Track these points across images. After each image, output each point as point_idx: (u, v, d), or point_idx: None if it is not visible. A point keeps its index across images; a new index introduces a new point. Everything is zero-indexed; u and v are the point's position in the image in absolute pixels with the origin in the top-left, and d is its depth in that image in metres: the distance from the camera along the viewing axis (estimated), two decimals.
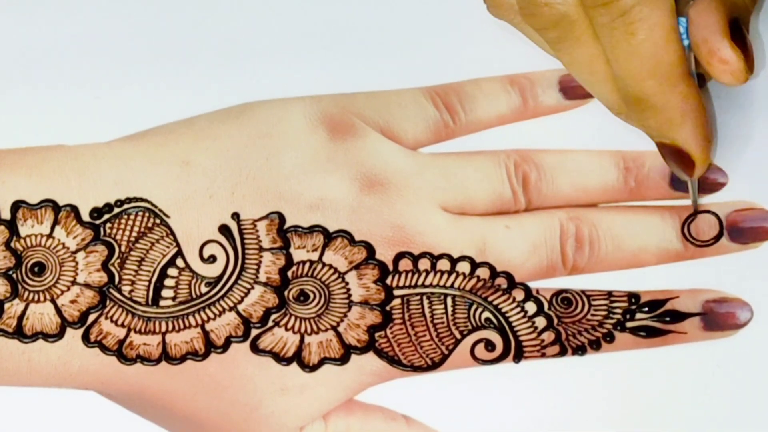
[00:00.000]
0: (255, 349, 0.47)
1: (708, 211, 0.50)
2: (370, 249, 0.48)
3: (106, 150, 0.48)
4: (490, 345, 0.48)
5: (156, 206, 0.47)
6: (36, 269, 0.46)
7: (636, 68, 0.43)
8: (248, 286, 0.47)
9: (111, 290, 0.46)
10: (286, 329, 0.47)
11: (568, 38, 0.44)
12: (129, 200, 0.47)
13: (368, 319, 0.48)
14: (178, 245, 0.47)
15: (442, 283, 0.48)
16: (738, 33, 0.44)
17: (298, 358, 0.47)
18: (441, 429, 0.49)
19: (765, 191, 0.51)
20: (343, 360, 0.48)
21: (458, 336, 0.48)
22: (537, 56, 0.50)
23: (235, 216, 0.48)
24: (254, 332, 0.47)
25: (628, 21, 0.43)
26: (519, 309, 0.49)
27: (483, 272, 0.48)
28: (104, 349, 0.46)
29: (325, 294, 0.48)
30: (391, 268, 0.48)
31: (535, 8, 0.44)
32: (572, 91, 0.52)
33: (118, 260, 0.47)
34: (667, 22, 0.43)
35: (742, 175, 0.51)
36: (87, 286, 0.46)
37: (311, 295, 0.48)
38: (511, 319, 0.48)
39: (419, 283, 0.48)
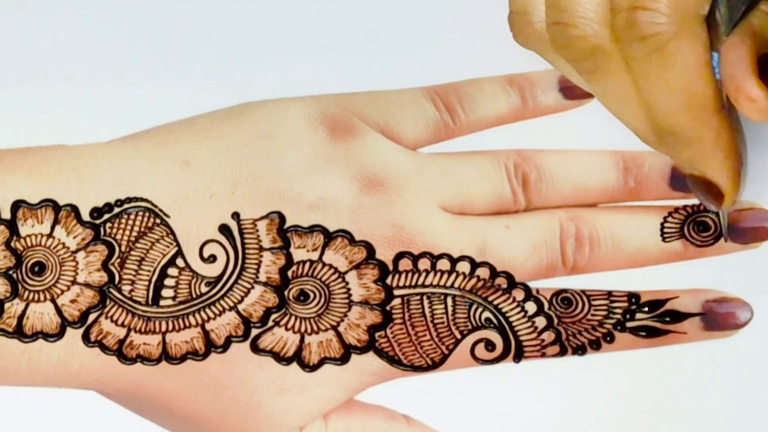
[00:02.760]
0: (255, 348, 0.47)
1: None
2: (370, 249, 0.48)
3: (106, 150, 0.48)
4: (490, 345, 0.48)
5: (156, 206, 0.47)
6: (36, 269, 0.46)
7: (669, 102, 0.43)
8: (248, 286, 0.47)
9: (111, 290, 0.46)
10: (287, 329, 0.47)
11: (601, 70, 0.44)
12: (129, 200, 0.47)
13: (368, 319, 0.48)
14: (178, 245, 0.47)
15: (442, 283, 0.48)
16: (766, 68, 0.43)
17: (298, 357, 0.47)
18: (441, 429, 0.49)
19: (765, 191, 0.51)
20: (344, 360, 0.47)
21: (458, 336, 0.48)
22: (537, 56, 0.50)
23: (236, 216, 0.47)
24: (254, 332, 0.47)
25: (664, 56, 0.42)
26: (519, 309, 0.49)
27: (483, 272, 0.48)
28: (104, 348, 0.46)
29: (326, 294, 0.48)
30: (391, 267, 0.48)
31: (568, 40, 0.43)
32: (572, 91, 0.52)
33: (119, 260, 0.47)
34: (702, 57, 0.42)
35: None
36: (87, 285, 0.46)
37: (311, 295, 0.48)
38: (511, 319, 0.48)
39: (419, 282, 0.48)
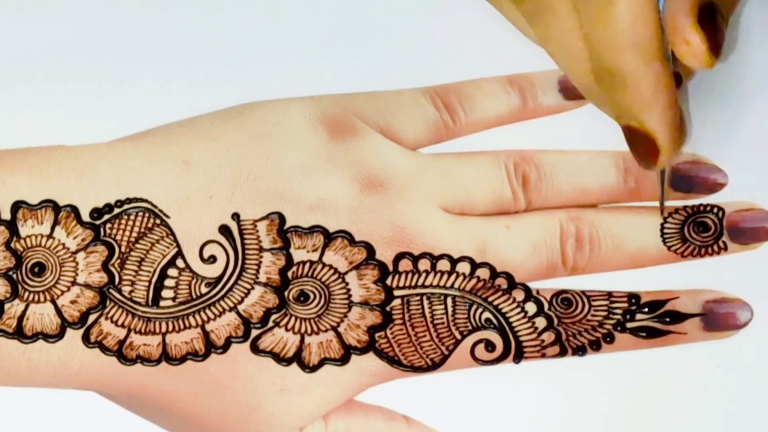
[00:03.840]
0: (255, 349, 0.47)
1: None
2: (370, 249, 0.48)
3: (106, 150, 0.48)
4: (490, 345, 0.48)
5: (156, 206, 0.47)
6: (36, 269, 0.46)
7: (612, 40, 0.43)
8: (248, 287, 0.47)
9: (111, 291, 0.46)
10: (287, 329, 0.47)
11: (546, 10, 0.44)
12: (129, 200, 0.47)
13: (368, 320, 0.48)
14: (178, 245, 0.47)
15: (442, 284, 0.48)
16: (710, 18, 0.43)
17: (298, 358, 0.47)
18: (441, 429, 0.49)
19: (765, 191, 0.51)
20: (344, 360, 0.48)
21: (458, 336, 0.48)
22: (537, 57, 0.50)
23: (236, 216, 0.47)
24: (254, 332, 0.47)
25: None
26: (519, 309, 0.49)
27: (483, 272, 0.48)
28: (104, 349, 0.46)
29: (326, 294, 0.48)
30: (391, 268, 0.48)
31: None
32: (572, 92, 0.52)
33: (118, 260, 0.47)
34: None
35: (742, 175, 0.51)
36: (87, 286, 0.46)
37: (311, 296, 0.48)
38: (511, 320, 0.48)
39: (419, 283, 0.48)
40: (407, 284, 0.48)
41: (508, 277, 0.49)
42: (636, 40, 0.42)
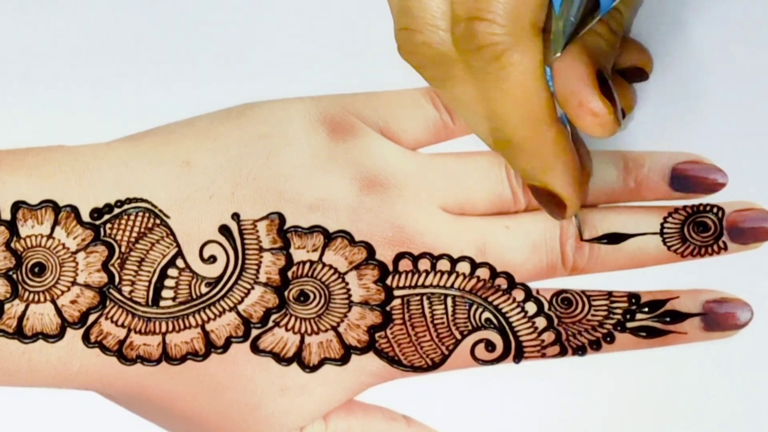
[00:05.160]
0: (255, 349, 0.47)
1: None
2: (370, 249, 0.48)
3: (106, 150, 0.48)
4: (490, 345, 0.48)
5: (156, 206, 0.47)
6: (36, 270, 0.46)
7: (507, 112, 0.43)
8: (248, 287, 0.47)
9: (111, 291, 0.46)
10: (287, 329, 0.47)
11: (448, 77, 0.44)
12: (129, 200, 0.47)
13: (368, 320, 0.48)
14: (178, 245, 0.47)
15: (442, 284, 0.48)
16: (604, 84, 0.43)
17: (298, 358, 0.47)
18: (441, 429, 0.49)
19: (765, 191, 0.51)
20: (344, 360, 0.48)
21: (458, 336, 0.48)
22: None
23: (236, 216, 0.47)
24: (254, 332, 0.47)
25: (500, 66, 0.42)
26: (519, 309, 0.49)
27: (483, 272, 0.49)
28: (104, 349, 0.46)
29: (326, 294, 0.48)
30: (391, 268, 0.48)
31: (414, 46, 0.44)
32: None
33: (119, 260, 0.47)
34: (537, 69, 0.42)
35: (742, 175, 0.51)
36: (87, 286, 0.46)
37: (311, 296, 0.48)
38: (511, 320, 0.48)
39: (419, 283, 0.48)
40: (407, 284, 0.48)
41: (508, 277, 0.49)
42: (529, 112, 0.43)
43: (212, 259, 0.47)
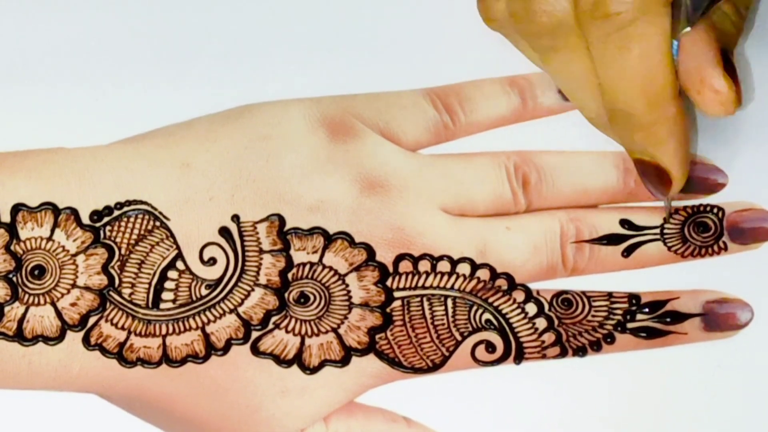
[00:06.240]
0: (255, 351, 0.47)
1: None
2: (370, 251, 0.48)
3: (105, 152, 0.48)
4: (490, 346, 0.48)
5: (156, 208, 0.47)
6: (36, 272, 0.46)
7: (627, 85, 0.43)
8: (248, 289, 0.47)
9: (111, 293, 0.46)
10: (287, 331, 0.47)
11: (562, 47, 0.44)
12: (129, 203, 0.47)
13: (369, 321, 0.48)
14: (178, 248, 0.47)
15: (442, 285, 0.48)
16: (728, 63, 0.43)
17: (298, 360, 0.47)
18: (441, 431, 0.49)
19: (765, 191, 0.51)
20: (344, 362, 0.48)
21: (459, 337, 0.48)
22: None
23: (235, 218, 0.47)
24: (255, 334, 0.47)
25: (625, 37, 0.42)
26: (519, 310, 0.49)
27: (483, 273, 0.48)
28: (105, 351, 0.46)
29: (326, 296, 0.48)
30: (391, 269, 0.48)
31: (532, 15, 0.44)
32: None
33: (118, 263, 0.47)
34: (663, 42, 0.42)
35: (742, 175, 0.51)
36: (87, 288, 0.46)
37: (311, 297, 0.48)
38: (511, 321, 0.48)
39: (419, 284, 0.48)
40: (407, 285, 0.48)
41: (509, 278, 0.49)
42: (651, 86, 0.43)
43: (212, 261, 0.47)
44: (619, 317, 0.49)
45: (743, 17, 0.46)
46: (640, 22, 0.42)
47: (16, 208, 0.46)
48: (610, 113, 0.45)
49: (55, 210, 0.46)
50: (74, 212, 0.47)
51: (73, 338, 0.46)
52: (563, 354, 0.49)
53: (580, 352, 0.49)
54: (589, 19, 0.43)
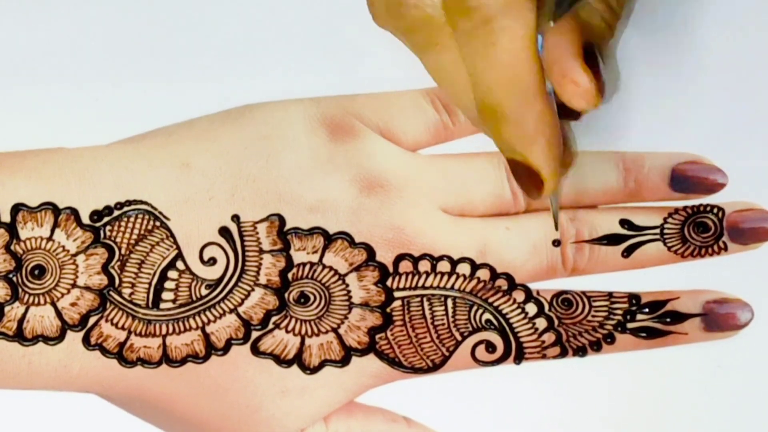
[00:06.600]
0: (255, 351, 0.47)
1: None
2: (370, 251, 0.48)
3: (105, 152, 0.48)
4: (490, 346, 0.48)
5: (156, 208, 0.47)
6: (36, 272, 0.46)
7: (493, 79, 0.43)
8: (248, 288, 0.47)
9: (111, 293, 0.46)
10: (287, 331, 0.47)
11: (433, 42, 0.44)
12: (129, 203, 0.47)
13: (369, 321, 0.48)
14: (178, 247, 0.47)
15: (442, 285, 0.48)
16: (591, 58, 0.43)
17: (298, 360, 0.47)
18: (441, 431, 0.49)
19: (765, 191, 0.51)
20: (344, 362, 0.48)
21: (459, 337, 0.48)
22: None
23: (235, 218, 0.47)
24: (255, 334, 0.47)
25: (489, 30, 0.42)
26: (519, 310, 0.49)
27: (483, 274, 0.48)
28: (105, 351, 0.46)
29: (326, 296, 0.48)
30: (391, 269, 0.48)
31: (403, 9, 0.44)
32: None
33: (119, 263, 0.47)
34: (528, 36, 0.42)
35: (742, 175, 0.51)
36: (87, 288, 0.46)
37: (311, 297, 0.48)
38: (511, 321, 0.48)
39: (419, 284, 0.48)
40: (407, 285, 0.48)
41: (509, 278, 0.49)
42: (517, 80, 0.43)
43: (212, 261, 0.47)
44: (619, 317, 0.49)
45: (616, 14, 0.46)
46: (505, 17, 0.42)
47: (16, 208, 0.46)
48: (480, 109, 0.44)
49: (55, 210, 0.46)
50: (74, 212, 0.47)
51: (73, 338, 0.46)
52: (563, 354, 0.49)
53: (580, 352, 0.49)
54: (454, 13, 0.42)
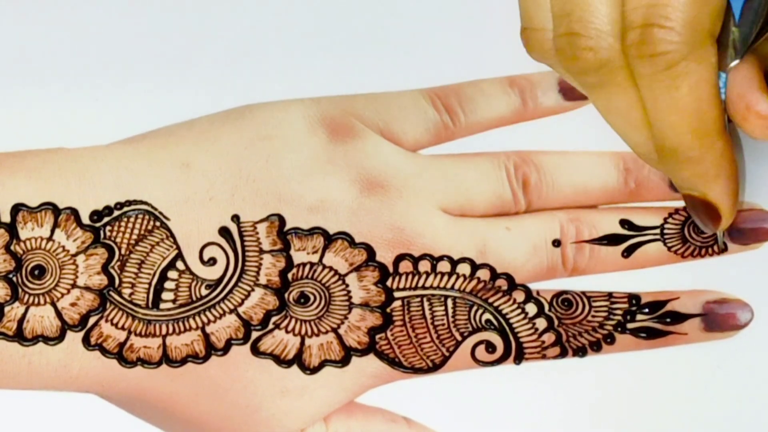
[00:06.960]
0: (255, 351, 0.47)
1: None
2: (370, 251, 0.48)
3: (105, 152, 0.48)
4: (490, 347, 0.48)
5: (156, 208, 0.47)
6: (36, 272, 0.46)
7: (676, 122, 0.43)
8: (248, 289, 0.47)
9: (111, 293, 0.46)
10: (287, 331, 0.47)
11: (608, 84, 0.43)
12: (129, 203, 0.47)
13: (369, 321, 0.48)
14: (178, 248, 0.47)
15: (442, 285, 0.48)
16: None
17: (298, 360, 0.47)
18: (442, 430, 0.49)
19: (765, 191, 0.51)
20: (344, 362, 0.48)
21: (459, 338, 0.48)
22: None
23: (235, 218, 0.47)
24: (255, 334, 0.47)
25: (673, 75, 0.42)
26: (519, 310, 0.49)
27: (483, 274, 0.48)
28: (105, 352, 0.46)
29: (326, 296, 0.48)
30: (391, 269, 0.48)
31: (578, 51, 0.43)
32: (572, 93, 0.52)
33: (118, 263, 0.47)
34: (711, 79, 0.42)
35: (742, 175, 0.51)
36: (87, 288, 0.46)
37: (312, 297, 0.48)
38: (511, 321, 0.48)
39: (419, 284, 0.48)
40: (407, 285, 0.48)
41: (509, 278, 0.49)
42: (700, 123, 0.43)
43: (212, 261, 0.47)
44: (619, 317, 0.49)
45: None
46: (689, 60, 0.41)
47: (16, 208, 0.46)
48: (658, 149, 0.44)
49: (55, 210, 0.46)
50: (74, 212, 0.47)
51: (73, 338, 0.46)
52: (563, 354, 0.49)
53: (580, 352, 0.49)
54: (635, 57, 0.42)
